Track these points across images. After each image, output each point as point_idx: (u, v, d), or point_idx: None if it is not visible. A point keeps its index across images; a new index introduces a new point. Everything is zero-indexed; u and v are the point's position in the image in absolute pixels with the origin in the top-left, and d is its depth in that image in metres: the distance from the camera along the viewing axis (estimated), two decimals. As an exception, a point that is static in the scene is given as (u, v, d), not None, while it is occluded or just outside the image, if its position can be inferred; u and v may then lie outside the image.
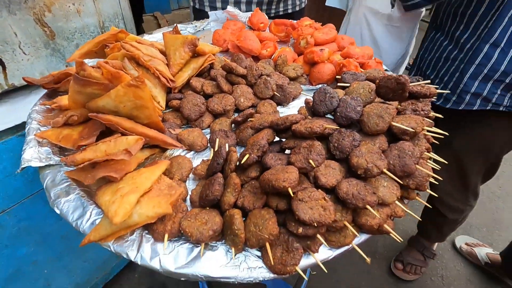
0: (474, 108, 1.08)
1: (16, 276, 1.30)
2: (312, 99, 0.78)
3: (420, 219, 0.64)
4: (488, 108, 1.06)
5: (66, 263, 1.47)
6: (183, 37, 0.95)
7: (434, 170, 0.66)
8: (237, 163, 0.67)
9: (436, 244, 1.93)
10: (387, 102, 0.76)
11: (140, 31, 3.42)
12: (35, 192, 1.21)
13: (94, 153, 0.66)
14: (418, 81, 0.80)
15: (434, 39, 1.26)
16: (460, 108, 1.11)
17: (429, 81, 0.75)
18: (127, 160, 0.64)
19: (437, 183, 0.64)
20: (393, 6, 1.28)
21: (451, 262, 2.05)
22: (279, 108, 0.97)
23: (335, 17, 2.54)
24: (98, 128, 0.71)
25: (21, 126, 1.09)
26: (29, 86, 1.18)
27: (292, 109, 0.98)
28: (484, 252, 1.98)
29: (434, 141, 0.75)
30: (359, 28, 1.37)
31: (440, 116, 0.76)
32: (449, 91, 0.87)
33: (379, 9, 1.29)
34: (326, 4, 2.38)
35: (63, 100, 0.79)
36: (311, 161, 0.59)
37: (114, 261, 1.69)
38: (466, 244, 2.09)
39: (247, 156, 0.63)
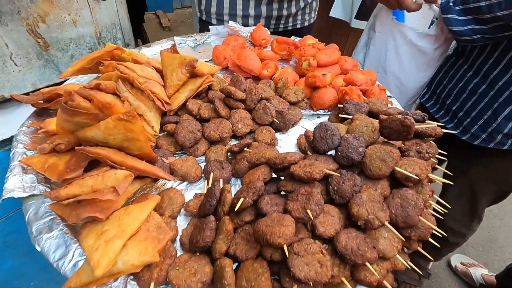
0: (504, 148, 1.05)
1: (2, 288, 1.27)
2: (312, 132, 0.74)
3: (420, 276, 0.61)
4: None
5: (54, 275, 1.43)
6: (181, 58, 0.92)
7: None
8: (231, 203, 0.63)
9: (431, 263, 1.92)
10: (390, 141, 0.73)
11: (141, 32, 3.37)
12: (22, 206, 1.17)
13: (80, 188, 0.62)
14: (423, 118, 0.77)
15: (456, 66, 1.18)
16: (489, 146, 1.07)
17: (434, 126, 0.71)
18: (115, 198, 0.60)
19: (440, 235, 0.61)
20: (431, 24, 1.14)
21: (445, 281, 2.03)
22: (277, 135, 0.94)
23: (341, 28, 2.51)
24: (86, 158, 0.68)
25: (9, 140, 1.05)
26: (20, 97, 1.14)
27: (291, 137, 0.95)
28: (479, 273, 1.96)
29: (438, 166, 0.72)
30: (385, 47, 1.25)
31: (444, 158, 0.73)
32: (454, 132, 0.82)
33: (412, 25, 1.16)
34: (330, 15, 2.35)
35: (51, 124, 0.75)
36: (309, 211, 0.55)
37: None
38: (462, 263, 2.07)
39: (242, 200, 0.59)
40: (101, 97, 0.64)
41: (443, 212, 0.67)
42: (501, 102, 1.00)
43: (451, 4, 1.01)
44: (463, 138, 1.12)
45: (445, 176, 0.86)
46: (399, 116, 0.66)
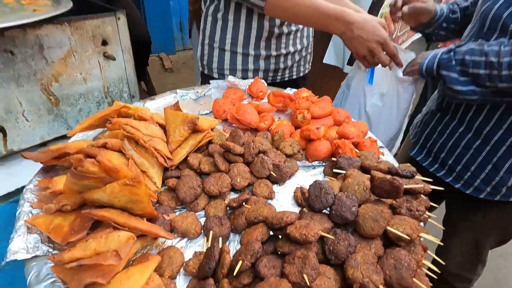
0: (510, 200, 1.05)
1: None
2: (307, 189, 0.78)
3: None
4: None
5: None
6: (184, 115, 0.98)
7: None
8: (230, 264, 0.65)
9: (438, 308, 1.84)
10: (382, 199, 0.76)
11: (144, 75, 3.54)
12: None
13: (83, 251, 0.64)
14: (412, 174, 0.81)
15: (443, 122, 1.15)
16: (495, 199, 1.06)
17: (422, 186, 0.76)
18: (117, 261, 0.62)
19: None
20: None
21: (454, 330, 1.93)
22: (275, 187, 0.98)
23: (334, 71, 2.66)
24: (90, 219, 0.71)
25: (14, 193, 1.08)
26: (27, 149, 1.19)
27: (288, 189, 0.98)
28: (488, 320, 1.88)
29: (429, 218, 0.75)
30: (358, 102, 1.36)
31: (434, 215, 0.76)
32: (443, 188, 0.85)
33: (373, 85, 1.27)
34: (324, 61, 2.51)
35: (59, 184, 0.78)
36: (305, 276, 0.57)
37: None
38: (470, 309, 1.99)
39: (240, 263, 0.61)
40: (108, 161, 0.69)
41: (439, 272, 0.69)
42: (499, 157, 1.00)
43: (453, 62, 0.94)
44: (467, 192, 1.11)
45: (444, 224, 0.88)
46: (388, 177, 0.70)
